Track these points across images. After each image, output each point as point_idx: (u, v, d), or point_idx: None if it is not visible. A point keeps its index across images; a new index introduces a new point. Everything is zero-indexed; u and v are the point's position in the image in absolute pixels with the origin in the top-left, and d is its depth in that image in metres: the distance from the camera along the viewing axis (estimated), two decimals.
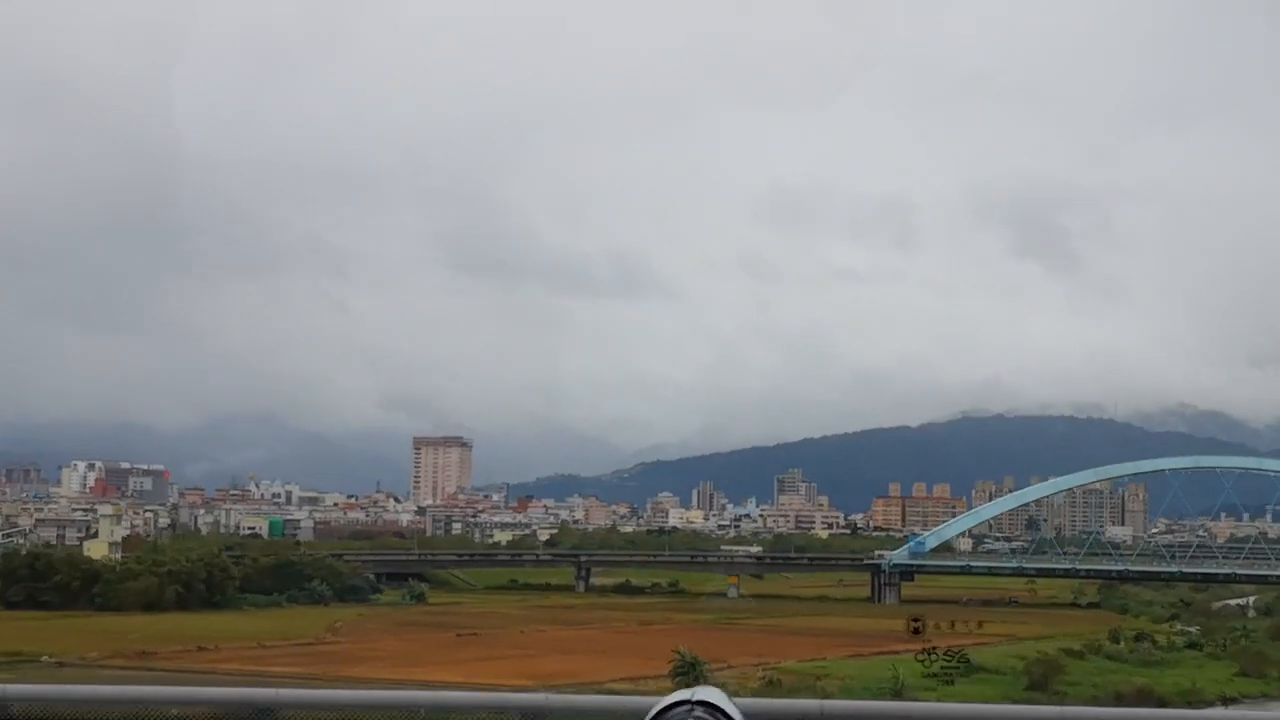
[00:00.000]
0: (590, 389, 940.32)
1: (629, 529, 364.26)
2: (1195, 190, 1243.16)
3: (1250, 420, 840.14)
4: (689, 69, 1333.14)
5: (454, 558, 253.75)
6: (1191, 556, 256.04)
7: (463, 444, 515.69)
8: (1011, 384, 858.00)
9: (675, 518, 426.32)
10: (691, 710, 7.00)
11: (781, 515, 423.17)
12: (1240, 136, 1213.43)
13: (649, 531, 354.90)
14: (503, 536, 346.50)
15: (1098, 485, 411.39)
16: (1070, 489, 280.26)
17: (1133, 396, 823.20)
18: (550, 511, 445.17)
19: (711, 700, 7.13)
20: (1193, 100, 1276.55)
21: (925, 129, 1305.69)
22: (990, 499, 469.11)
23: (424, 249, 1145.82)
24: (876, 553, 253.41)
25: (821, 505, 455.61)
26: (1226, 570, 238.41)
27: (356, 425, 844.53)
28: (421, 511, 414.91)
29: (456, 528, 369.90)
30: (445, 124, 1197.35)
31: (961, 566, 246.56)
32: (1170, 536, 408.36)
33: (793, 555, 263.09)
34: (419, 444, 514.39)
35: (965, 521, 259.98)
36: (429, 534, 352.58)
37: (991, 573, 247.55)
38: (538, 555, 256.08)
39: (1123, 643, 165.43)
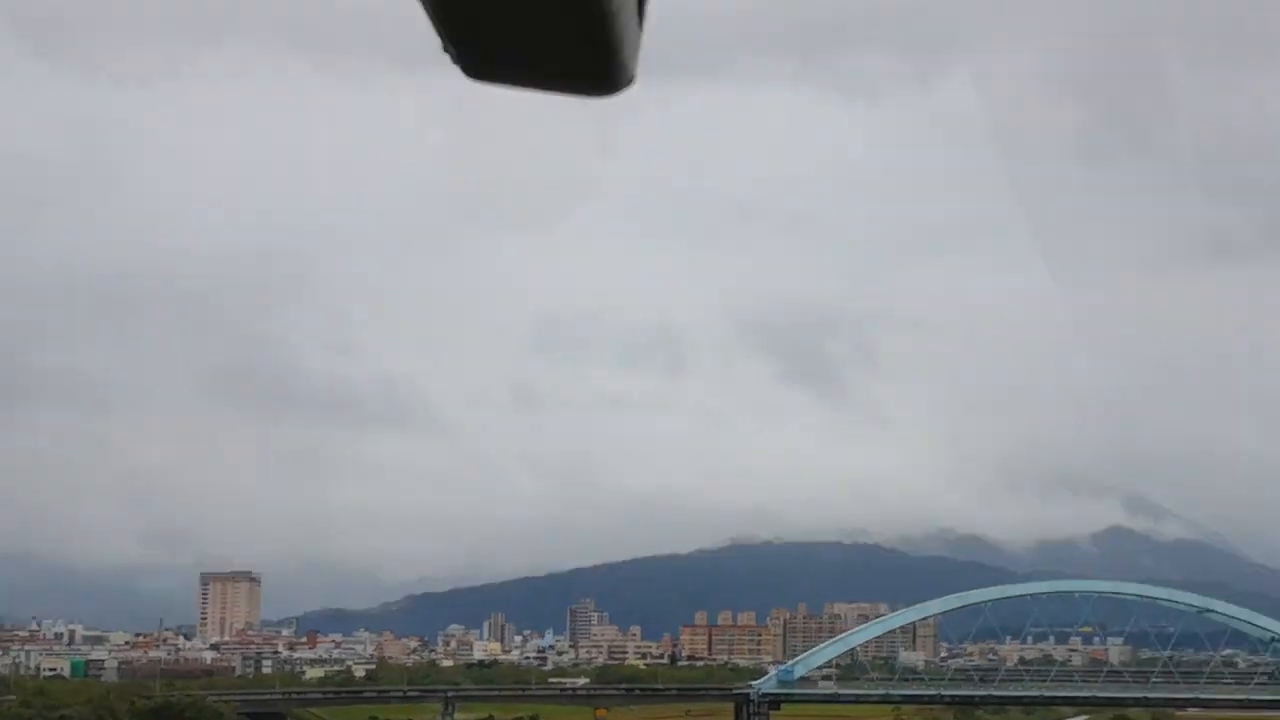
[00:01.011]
0: (355, 521, 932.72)
1: (448, 664, 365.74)
2: (952, 319, 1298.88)
3: (1007, 544, 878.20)
4: (460, 196, 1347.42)
5: (320, 695, 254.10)
6: (1029, 679, 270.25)
7: (251, 579, 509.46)
8: (780, 510, 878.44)
9: (479, 650, 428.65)
10: None
11: (595, 646, 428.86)
12: (995, 268, 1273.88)
13: (468, 666, 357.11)
14: (315, 673, 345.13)
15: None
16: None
17: (896, 521, 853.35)
18: (342, 645, 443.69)
19: None
20: (951, 232, 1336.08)
21: (694, 257, 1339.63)
22: (785, 626, 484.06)
23: (186, 380, 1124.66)
24: (748, 682, 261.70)
25: (634, 635, 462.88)
26: (1083, 694, 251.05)
27: (113, 559, 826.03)
28: (216, 648, 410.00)
29: (267, 665, 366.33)
30: (209, 251, 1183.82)
31: (830, 695, 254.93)
32: (959, 660, 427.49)
33: (659, 687, 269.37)
34: (206, 579, 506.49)
35: (834, 649, 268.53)
36: (238, 673, 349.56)
37: (859, 700, 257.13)
38: (404, 691, 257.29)
39: None
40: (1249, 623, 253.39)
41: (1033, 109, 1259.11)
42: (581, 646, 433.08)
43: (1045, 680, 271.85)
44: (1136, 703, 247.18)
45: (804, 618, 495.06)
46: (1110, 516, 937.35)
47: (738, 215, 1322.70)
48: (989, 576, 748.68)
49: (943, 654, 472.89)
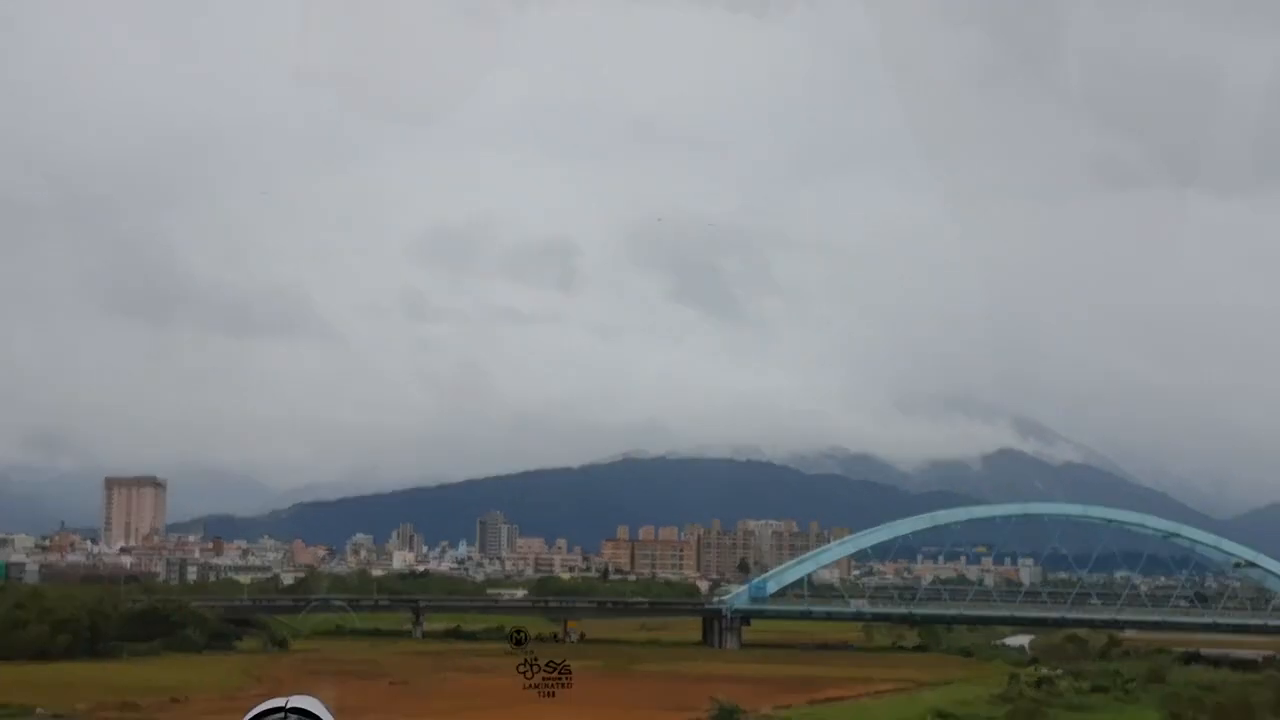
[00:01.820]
0: (241, 428, 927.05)
1: (379, 573, 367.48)
2: (846, 240, 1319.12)
3: (899, 463, 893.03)
4: (351, 103, 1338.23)
5: (291, 602, 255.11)
6: (947, 598, 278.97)
7: (156, 484, 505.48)
8: (672, 426, 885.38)
9: (399, 560, 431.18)
10: (285, 718, 7.27)
11: (521, 559, 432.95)
12: (888, 189, 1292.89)
13: (402, 577, 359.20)
14: (243, 579, 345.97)
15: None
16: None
17: (788, 439, 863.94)
18: (251, 552, 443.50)
19: (306, 708, 7.34)
20: (845, 152, 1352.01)
21: (587, 173, 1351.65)
22: (698, 541, 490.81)
23: (72, 285, 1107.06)
24: (716, 598, 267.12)
25: (560, 549, 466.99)
26: (1053, 615, 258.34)
27: None
28: (128, 552, 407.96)
29: (191, 571, 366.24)
30: (95, 156, 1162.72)
31: (803, 611, 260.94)
32: (874, 579, 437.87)
33: (631, 600, 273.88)
34: (110, 484, 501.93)
35: (808, 565, 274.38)
36: (162, 578, 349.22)
37: (830, 617, 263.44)
38: (375, 600, 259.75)
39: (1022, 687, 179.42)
40: (1214, 548, 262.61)
41: (928, 33, 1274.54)
42: (508, 559, 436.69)
43: (964, 600, 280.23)
44: (1105, 624, 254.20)
45: (718, 534, 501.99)
46: (1001, 439, 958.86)
47: (633, 131, 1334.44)
48: (882, 496, 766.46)
49: (856, 572, 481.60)
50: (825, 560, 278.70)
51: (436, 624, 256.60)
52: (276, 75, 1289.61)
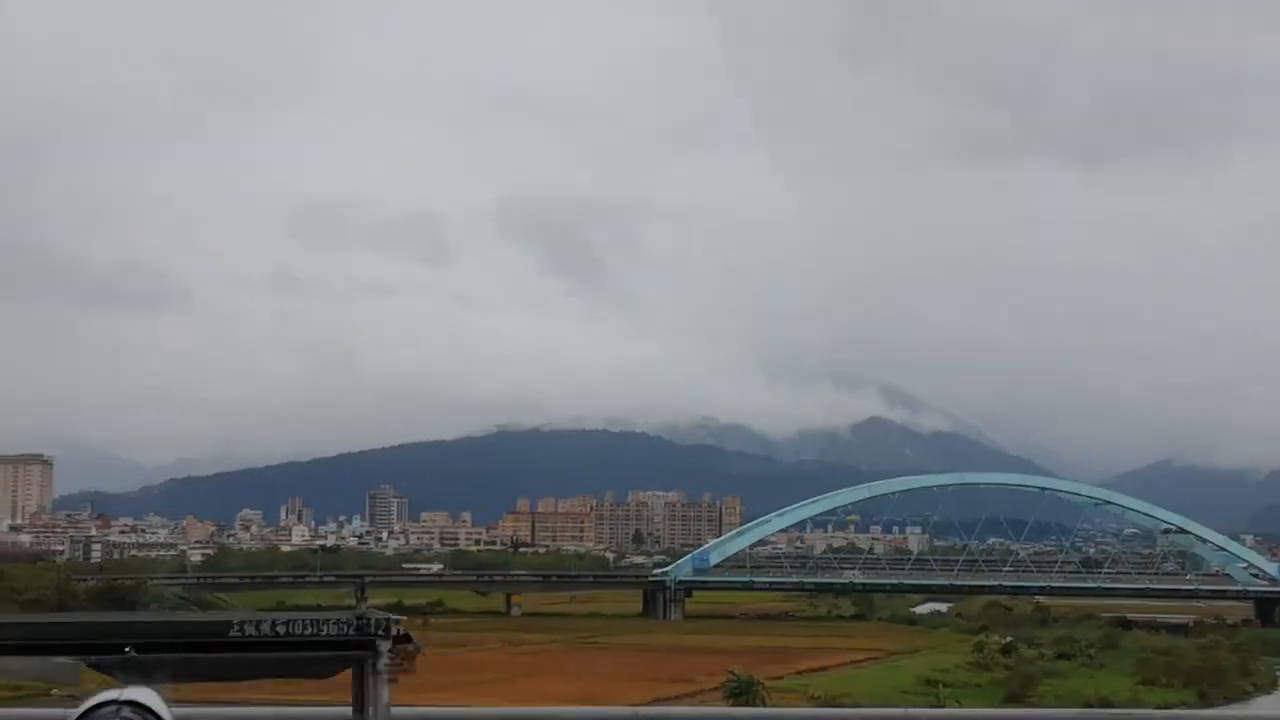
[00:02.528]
0: (106, 402, 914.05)
1: (288, 548, 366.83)
2: (713, 211, 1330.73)
3: (770, 432, 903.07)
4: (218, 79, 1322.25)
5: (236, 580, 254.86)
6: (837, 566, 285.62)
7: (44, 461, 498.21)
8: (544, 398, 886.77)
9: (298, 535, 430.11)
10: (119, 710, 7.31)
11: (426, 532, 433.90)
12: (753, 160, 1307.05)
13: (313, 551, 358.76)
14: (148, 556, 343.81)
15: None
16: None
17: (660, 410, 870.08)
18: (141, 530, 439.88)
19: (141, 700, 7.36)
20: (711, 124, 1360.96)
21: (456, 145, 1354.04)
22: (592, 511, 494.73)
23: None
24: (655, 570, 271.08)
25: (464, 522, 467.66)
26: (991, 582, 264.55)
27: None
28: (18, 530, 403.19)
29: (96, 550, 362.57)
30: None
31: (745, 582, 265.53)
32: (767, 548, 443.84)
33: (574, 574, 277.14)
34: None
35: (750, 536, 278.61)
36: (67, 556, 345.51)
37: (773, 588, 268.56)
38: (320, 577, 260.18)
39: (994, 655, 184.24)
40: (1145, 514, 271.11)
41: (791, 5, 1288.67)
42: (412, 533, 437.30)
43: (854, 567, 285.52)
44: (1039, 590, 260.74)
45: (610, 506, 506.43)
46: (869, 408, 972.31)
47: (501, 105, 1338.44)
48: (756, 465, 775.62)
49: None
50: (767, 531, 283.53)
51: (376, 599, 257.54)
52: (142, 52, 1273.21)
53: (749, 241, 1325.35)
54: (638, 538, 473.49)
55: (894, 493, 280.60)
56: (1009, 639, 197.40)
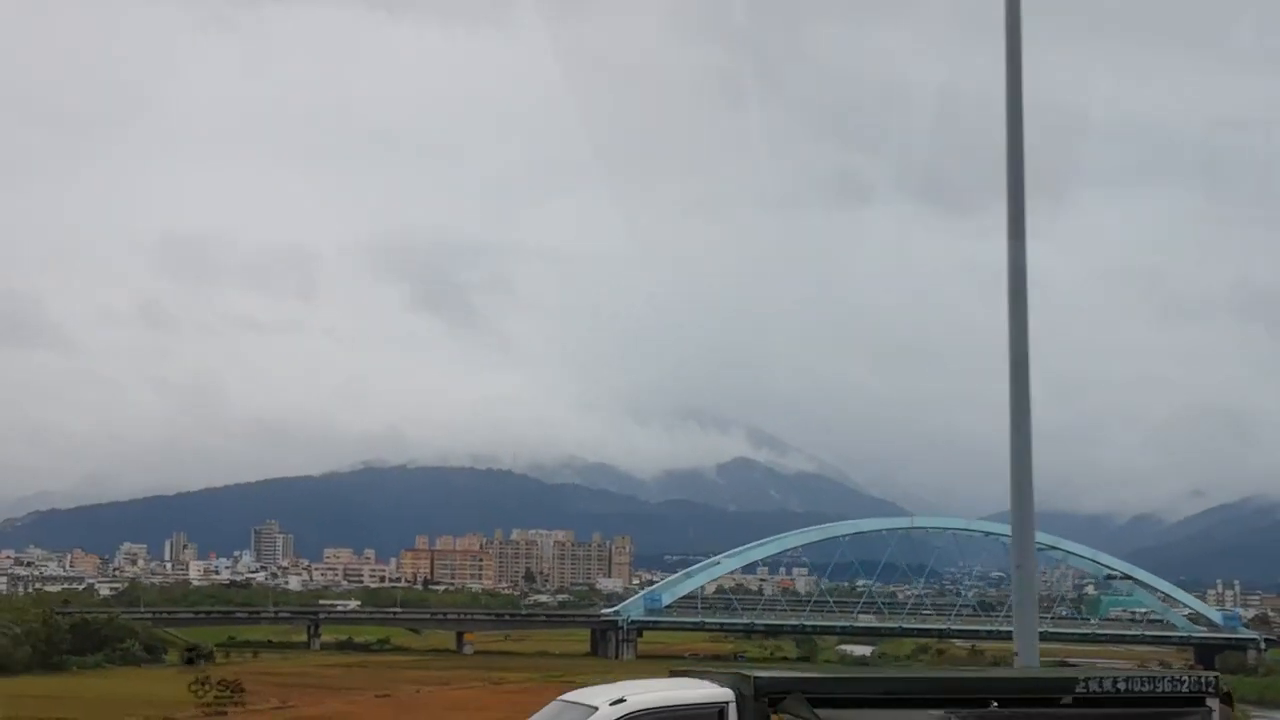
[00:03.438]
0: None
1: (202, 583, 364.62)
2: (583, 251, 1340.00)
3: (636, 472, 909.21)
4: (86, 108, 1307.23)
5: (191, 615, 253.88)
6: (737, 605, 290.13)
7: None
8: (412, 435, 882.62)
9: (195, 570, 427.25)
10: None
11: (330, 569, 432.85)
12: (624, 201, 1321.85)
13: (227, 586, 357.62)
14: (52, 588, 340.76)
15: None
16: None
17: (526, 448, 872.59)
18: (31, 563, 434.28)
19: None
20: (583, 165, 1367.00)
21: (328, 183, 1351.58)
22: (481, 549, 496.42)
23: None
24: (604, 611, 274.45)
25: (368, 558, 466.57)
26: (940, 626, 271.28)
27: None
28: None
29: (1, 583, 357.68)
30: None
31: (696, 623, 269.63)
32: (652, 588, 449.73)
33: (526, 614, 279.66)
34: None
35: (702, 577, 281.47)
36: None
37: (723, 629, 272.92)
38: (275, 612, 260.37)
39: None
40: (1091, 560, 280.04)
41: (667, 48, 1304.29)
42: (316, 568, 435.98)
43: (754, 609, 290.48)
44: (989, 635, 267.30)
45: (500, 543, 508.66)
46: (735, 448, 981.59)
47: (374, 142, 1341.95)
48: (621, 504, 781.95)
49: (635, 581, 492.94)
50: (717, 573, 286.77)
51: (326, 635, 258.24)
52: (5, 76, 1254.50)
53: (619, 283, 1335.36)
54: (529, 576, 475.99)
55: (844, 535, 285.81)
56: None
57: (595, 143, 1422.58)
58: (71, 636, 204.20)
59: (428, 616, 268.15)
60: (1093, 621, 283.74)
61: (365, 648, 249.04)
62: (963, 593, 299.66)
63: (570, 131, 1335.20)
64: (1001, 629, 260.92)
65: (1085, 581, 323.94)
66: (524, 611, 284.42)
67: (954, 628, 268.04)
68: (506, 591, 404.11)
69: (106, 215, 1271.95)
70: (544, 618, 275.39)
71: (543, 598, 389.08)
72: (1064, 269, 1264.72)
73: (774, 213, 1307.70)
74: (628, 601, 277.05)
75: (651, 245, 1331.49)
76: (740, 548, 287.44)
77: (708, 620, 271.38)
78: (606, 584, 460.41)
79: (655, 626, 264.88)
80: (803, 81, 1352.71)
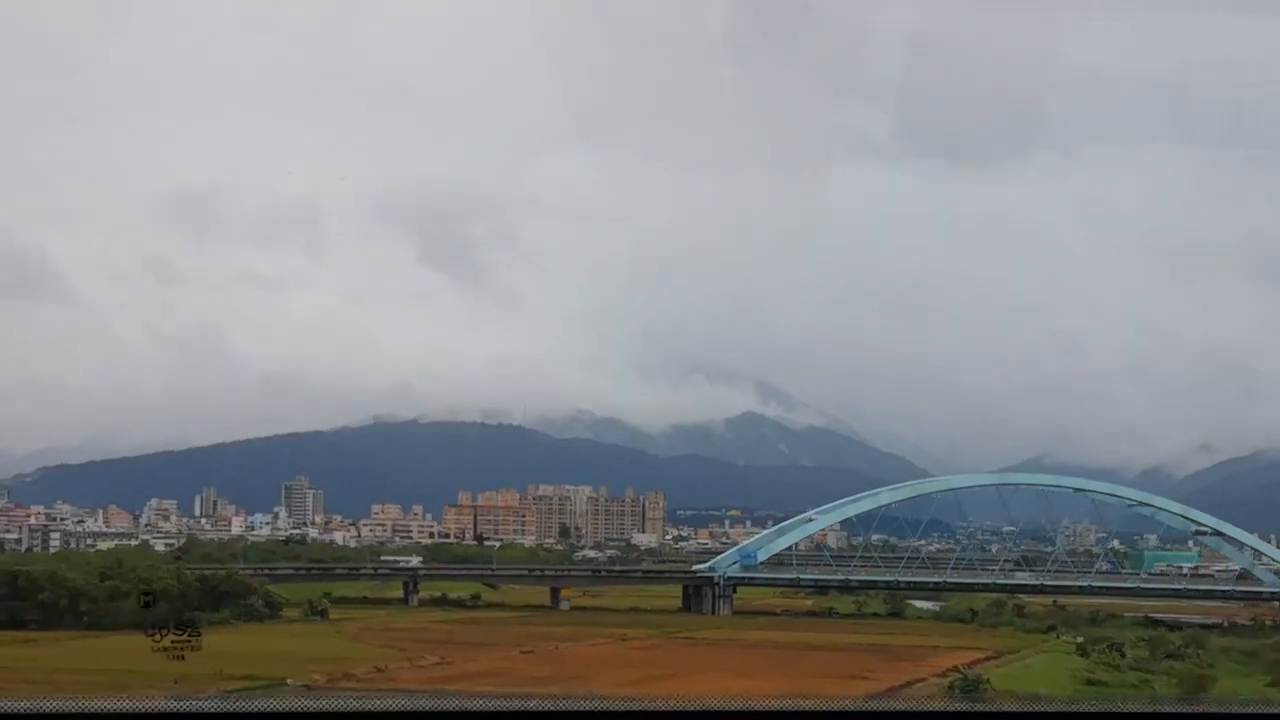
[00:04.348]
0: None
1: (259, 539, 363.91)
2: (590, 207, 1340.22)
3: (645, 426, 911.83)
4: (90, 62, 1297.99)
5: (291, 571, 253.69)
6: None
7: None
8: (422, 390, 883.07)
9: (237, 525, 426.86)
10: None
11: (379, 525, 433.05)
12: (632, 156, 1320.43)
13: (284, 542, 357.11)
14: (105, 545, 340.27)
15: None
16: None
17: (536, 403, 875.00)
18: (66, 518, 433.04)
19: None
20: (591, 120, 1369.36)
21: (335, 137, 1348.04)
22: (521, 504, 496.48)
23: None
24: (695, 567, 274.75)
25: (415, 514, 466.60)
26: (1034, 581, 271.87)
27: None
28: None
29: (54, 539, 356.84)
30: None
31: (791, 579, 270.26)
32: (689, 543, 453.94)
33: (621, 569, 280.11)
34: None
35: (795, 534, 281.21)
36: (25, 547, 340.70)
37: (818, 584, 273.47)
38: (374, 569, 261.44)
39: (1092, 655, 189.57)
40: (1180, 515, 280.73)
41: (678, 3, 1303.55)
42: (366, 525, 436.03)
43: (847, 565, 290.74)
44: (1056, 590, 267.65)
45: (534, 498, 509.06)
46: (743, 403, 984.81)
47: (383, 96, 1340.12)
48: (632, 459, 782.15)
49: (669, 537, 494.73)
50: (812, 530, 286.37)
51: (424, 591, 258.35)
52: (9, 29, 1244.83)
53: (627, 238, 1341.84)
54: (564, 532, 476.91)
55: (936, 492, 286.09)
56: (1080, 638, 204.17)
57: (603, 98, 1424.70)
58: (209, 595, 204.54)
59: (525, 572, 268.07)
60: (1141, 575, 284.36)
61: (461, 604, 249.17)
62: (1056, 547, 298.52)
63: (578, 86, 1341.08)
64: (1134, 586, 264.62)
65: (1105, 535, 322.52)
66: (619, 567, 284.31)
67: (1046, 584, 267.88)
68: (557, 547, 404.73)
69: (112, 169, 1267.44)
70: (640, 574, 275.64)
71: (591, 553, 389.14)
72: (1075, 225, 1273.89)
73: (780, 167, 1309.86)
74: (719, 557, 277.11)
75: (658, 200, 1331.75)
76: (832, 504, 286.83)
77: (803, 576, 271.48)
78: (641, 539, 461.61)
79: (751, 583, 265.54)
80: (809, 36, 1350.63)
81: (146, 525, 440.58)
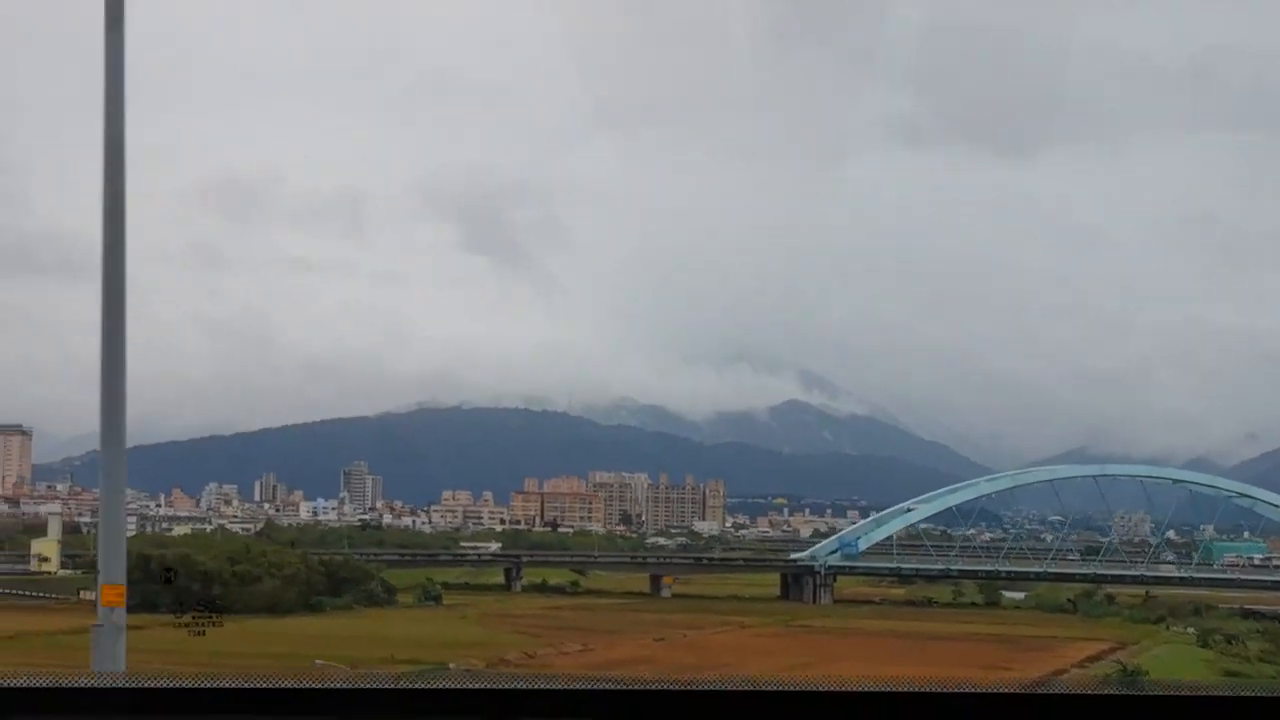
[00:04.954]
0: (19, 374, 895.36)
1: (334, 523, 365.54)
2: (633, 193, 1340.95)
3: (688, 414, 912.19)
4: (139, 48, 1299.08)
5: (397, 556, 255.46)
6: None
7: (22, 432, 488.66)
8: (464, 376, 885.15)
9: (304, 511, 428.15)
10: None
11: (450, 511, 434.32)
12: (677, 144, 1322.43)
13: (361, 528, 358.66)
14: (182, 529, 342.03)
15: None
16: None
17: (580, 390, 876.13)
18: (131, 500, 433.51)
19: None
20: (635, 107, 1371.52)
21: (379, 123, 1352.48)
22: (588, 492, 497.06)
23: None
24: (793, 555, 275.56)
25: (486, 501, 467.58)
26: (1134, 572, 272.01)
27: None
28: (13, 503, 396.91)
29: (130, 524, 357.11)
30: None
31: (892, 569, 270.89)
32: (749, 531, 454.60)
33: (722, 557, 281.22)
34: None
35: (894, 524, 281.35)
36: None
37: (918, 574, 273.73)
38: (479, 555, 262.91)
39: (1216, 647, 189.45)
40: None
41: None
42: (437, 511, 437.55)
43: (947, 555, 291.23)
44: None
45: (594, 485, 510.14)
46: (786, 391, 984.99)
47: (427, 82, 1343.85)
48: (677, 446, 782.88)
49: (729, 524, 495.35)
50: (911, 520, 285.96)
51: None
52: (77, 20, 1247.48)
53: (669, 226, 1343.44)
54: (625, 519, 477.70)
55: (1035, 482, 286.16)
56: (1190, 629, 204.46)
57: (645, 85, 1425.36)
58: (330, 579, 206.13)
59: (628, 559, 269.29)
60: (1215, 565, 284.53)
61: (562, 590, 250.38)
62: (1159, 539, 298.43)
63: (620, 73, 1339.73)
64: (1229, 577, 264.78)
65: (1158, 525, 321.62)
66: (719, 555, 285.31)
67: (1148, 574, 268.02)
68: (629, 534, 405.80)
69: (159, 156, 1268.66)
70: (742, 562, 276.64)
71: (661, 540, 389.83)
72: (1119, 213, 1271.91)
73: (823, 155, 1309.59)
74: (817, 546, 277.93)
75: (700, 187, 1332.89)
76: (931, 494, 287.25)
77: (903, 566, 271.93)
78: (701, 526, 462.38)
79: (851, 572, 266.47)
80: (856, 26, 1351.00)
81: (209, 509, 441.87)
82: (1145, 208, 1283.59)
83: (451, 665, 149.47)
